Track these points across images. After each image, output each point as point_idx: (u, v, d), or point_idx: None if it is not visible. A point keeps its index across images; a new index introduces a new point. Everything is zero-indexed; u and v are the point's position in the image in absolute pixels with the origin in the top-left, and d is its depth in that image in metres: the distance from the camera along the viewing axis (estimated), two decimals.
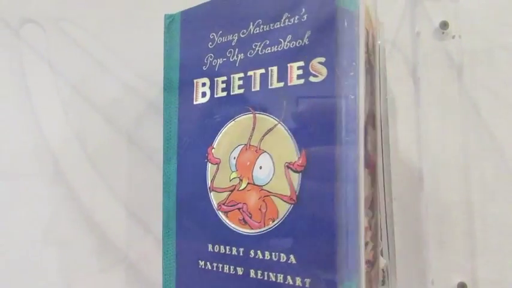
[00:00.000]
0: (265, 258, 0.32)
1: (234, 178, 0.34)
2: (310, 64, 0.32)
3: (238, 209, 0.34)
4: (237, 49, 0.34)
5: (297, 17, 0.32)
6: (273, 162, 0.33)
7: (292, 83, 0.32)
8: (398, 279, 0.41)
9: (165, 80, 0.38)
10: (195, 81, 0.36)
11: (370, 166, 0.33)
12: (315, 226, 0.30)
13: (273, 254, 0.32)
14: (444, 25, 0.42)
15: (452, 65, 0.43)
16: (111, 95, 0.41)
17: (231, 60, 0.34)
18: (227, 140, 0.34)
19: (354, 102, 0.29)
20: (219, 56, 0.35)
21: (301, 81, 0.32)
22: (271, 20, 0.33)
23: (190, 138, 0.36)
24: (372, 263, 0.33)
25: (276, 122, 0.33)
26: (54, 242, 0.41)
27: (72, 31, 0.42)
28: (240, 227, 0.33)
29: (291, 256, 0.31)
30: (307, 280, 0.31)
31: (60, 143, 0.42)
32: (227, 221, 0.34)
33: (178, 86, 0.37)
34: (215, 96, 0.35)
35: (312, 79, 0.32)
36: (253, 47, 0.34)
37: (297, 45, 0.32)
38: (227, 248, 0.34)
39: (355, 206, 0.29)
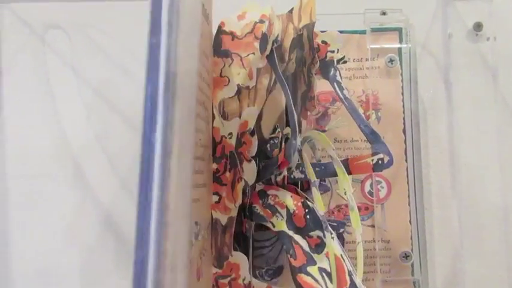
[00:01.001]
0: None
1: None
2: None
3: None
4: None
5: None
6: None
7: None
8: None
9: None
10: None
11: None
12: None
13: None
14: (478, 26, 0.41)
15: (487, 67, 0.41)
16: (132, 99, 0.41)
17: None
18: None
19: None
20: None
21: None
22: None
23: None
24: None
25: None
26: (74, 244, 0.41)
27: (95, 36, 0.43)
28: None
29: None
30: None
31: (82, 146, 0.42)
32: None
33: None
34: None
35: None
36: None
37: None
38: None
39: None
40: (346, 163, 0.34)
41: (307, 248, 0.32)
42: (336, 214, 0.39)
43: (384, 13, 0.40)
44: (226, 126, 0.32)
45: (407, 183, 0.40)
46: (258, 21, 0.32)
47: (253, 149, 0.32)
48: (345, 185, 0.33)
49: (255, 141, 0.32)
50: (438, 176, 0.41)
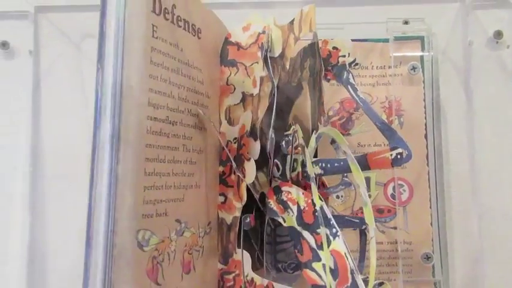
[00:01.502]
0: None
1: None
2: None
3: None
4: None
5: None
6: None
7: None
8: None
9: None
10: None
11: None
12: None
13: None
14: (498, 34, 0.42)
15: (507, 75, 0.42)
16: None
17: None
18: None
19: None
20: None
21: None
22: None
23: None
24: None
25: None
26: None
27: None
28: None
29: None
30: None
31: None
32: None
33: None
34: None
35: None
36: None
37: None
38: None
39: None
40: (365, 158, 0.34)
41: (313, 245, 0.33)
42: (360, 215, 0.41)
43: (406, 22, 0.41)
44: (232, 132, 0.34)
45: (429, 186, 0.41)
46: (261, 32, 0.34)
47: (254, 151, 0.34)
48: (359, 180, 0.32)
49: (253, 143, 0.33)
50: (458, 180, 0.42)
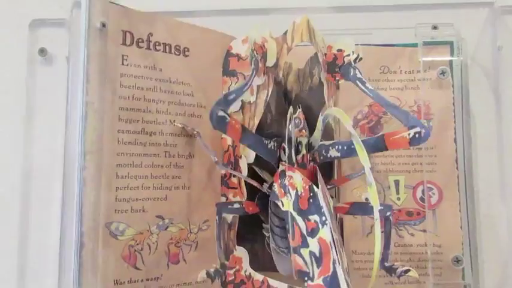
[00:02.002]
0: None
1: None
2: None
3: None
4: None
5: None
6: None
7: None
8: None
9: None
10: None
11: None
12: None
13: None
14: None
15: None
16: None
17: None
18: None
19: None
20: None
21: None
22: None
23: None
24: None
25: None
26: None
27: None
28: None
29: None
30: None
31: None
32: None
33: None
34: None
35: None
36: None
37: None
38: None
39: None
40: (382, 139, 0.34)
41: (304, 231, 0.33)
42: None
43: (435, 27, 0.42)
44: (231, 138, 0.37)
45: (459, 190, 0.41)
46: (260, 44, 0.37)
47: (248, 153, 0.37)
48: (364, 160, 0.31)
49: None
50: (487, 184, 0.42)
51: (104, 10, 0.34)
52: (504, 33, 0.43)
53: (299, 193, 0.34)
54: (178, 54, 0.37)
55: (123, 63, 0.35)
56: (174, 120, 0.37)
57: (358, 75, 0.38)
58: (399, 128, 0.34)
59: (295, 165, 0.36)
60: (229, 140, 0.38)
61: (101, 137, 0.33)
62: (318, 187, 0.34)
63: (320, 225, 0.33)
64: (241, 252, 0.37)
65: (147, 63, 0.36)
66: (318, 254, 0.32)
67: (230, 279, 0.37)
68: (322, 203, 0.33)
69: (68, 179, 0.35)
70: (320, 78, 0.41)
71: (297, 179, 0.35)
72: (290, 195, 0.34)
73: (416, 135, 0.33)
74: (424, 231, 0.41)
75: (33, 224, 0.43)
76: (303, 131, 0.36)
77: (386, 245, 0.38)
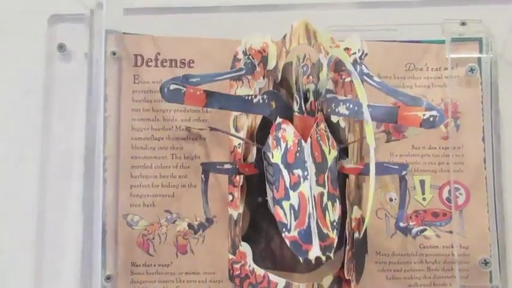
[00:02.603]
0: None
1: None
2: None
3: None
4: None
5: None
6: None
7: None
8: None
9: None
10: None
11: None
12: None
13: None
14: None
15: None
16: None
17: None
18: None
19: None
20: None
21: None
22: None
23: None
24: None
25: None
26: None
27: None
28: None
29: None
30: None
31: None
32: None
33: None
34: None
35: None
36: None
37: None
38: None
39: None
40: (395, 110, 0.34)
41: (287, 184, 0.34)
42: (413, 219, 0.40)
43: (463, 23, 0.41)
44: (237, 138, 0.40)
45: (486, 190, 0.40)
46: (259, 49, 0.39)
47: (250, 154, 0.40)
48: (361, 98, 0.31)
49: (250, 147, 0.39)
50: None
51: (117, 40, 0.42)
52: None
53: (288, 146, 0.35)
54: (184, 67, 0.42)
55: (134, 82, 0.42)
56: (179, 126, 0.42)
57: (365, 70, 0.38)
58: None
59: (305, 114, 0.36)
60: (235, 141, 0.41)
61: (118, 144, 0.41)
62: (311, 139, 0.35)
63: (302, 180, 0.34)
64: (245, 247, 0.39)
65: (155, 78, 0.42)
66: (296, 208, 0.34)
67: (237, 273, 0.39)
68: (307, 158, 0.34)
69: (94, 180, 0.40)
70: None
71: (289, 132, 0.35)
72: (280, 147, 0.35)
73: (431, 118, 0.33)
74: (451, 232, 0.40)
75: (49, 222, 0.43)
76: (310, 77, 0.37)
77: (401, 205, 0.38)
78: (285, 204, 0.34)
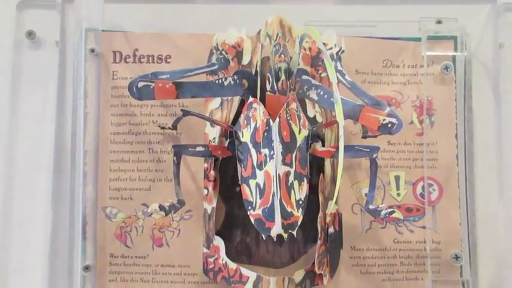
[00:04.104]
0: None
1: None
2: None
3: None
4: None
5: None
6: None
7: None
8: None
9: None
10: None
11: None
12: None
13: None
14: None
15: None
16: None
17: None
18: None
19: None
20: None
21: None
22: None
23: None
24: None
25: None
26: None
27: None
28: None
29: None
30: None
31: None
32: None
33: None
34: None
35: None
36: None
37: None
38: None
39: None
40: (359, 108, 0.34)
41: (255, 163, 0.35)
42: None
43: (439, 22, 0.41)
44: (212, 132, 0.40)
45: (458, 186, 0.41)
46: (233, 44, 0.40)
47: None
48: (332, 78, 0.32)
49: (224, 140, 0.39)
50: (486, 181, 0.42)
51: (97, 37, 0.43)
52: (506, 31, 0.42)
53: (257, 126, 0.35)
54: (161, 62, 0.42)
55: (113, 78, 0.43)
56: (156, 121, 0.42)
57: (339, 67, 0.38)
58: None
59: (276, 93, 0.36)
60: (210, 135, 0.40)
61: (97, 138, 0.42)
62: (280, 118, 0.35)
63: (268, 159, 0.34)
64: (218, 241, 0.39)
65: (133, 74, 0.42)
66: (262, 186, 0.34)
67: (210, 266, 0.40)
68: (274, 137, 0.34)
69: (76, 173, 0.41)
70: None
71: (259, 111, 0.35)
72: (250, 126, 0.36)
73: (389, 125, 0.34)
74: (424, 227, 0.41)
75: (17, 215, 0.42)
76: (282, 56, 0.37)
77: (371, 188, 0.39)
78: (252, 182, 0.35)
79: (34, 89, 0.44)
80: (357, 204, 0.40)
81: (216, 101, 0.40)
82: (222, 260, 0.39)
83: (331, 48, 0.39)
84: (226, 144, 0.39)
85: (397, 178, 0.41)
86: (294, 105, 0.36)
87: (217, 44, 0.40)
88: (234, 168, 0.39)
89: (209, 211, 0.40)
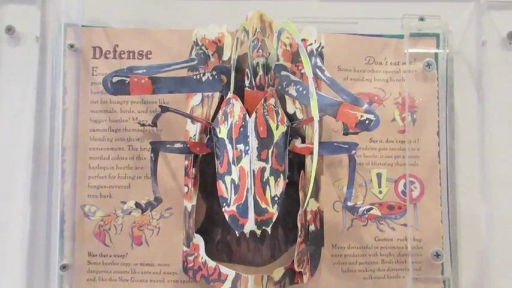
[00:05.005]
0: None
1: None
2: None
3: None
4: None
5: None
6: None
7: None
8: None
9: None
10: None
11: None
12: None
13: None
14: None
15: None
16: None
17: None
18: None
19: None
20: None
21: None
22: None
23: None
24: None
25: None
26: None
27: None
28: None
29: None
30: None
31: None
32: None
33: None
34: None
35: None
36: None
37: None
38: None
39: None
40: (337, 105, 0.34)
41: (231, 159, 0.34)
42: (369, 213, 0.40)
43: (422, 19, 0.41)
44: (192, 129, 0.40)
45: (440, 184, 0.41)
46: (213, 39, 0.39)
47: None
48: (307, 71, 0.31)
49: (205, 137, 0.39)
50: (466, 179, 0.42)
51: (76, 32, 0.42)
52: (489, 29, 0.42)
53: (234, 121, 0.35)
54: (141, 58, 0.42)
55: (93, 74, 0.42)
56: (137, 118, 0.41)
57: (319, 63, 0.38)
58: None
59: (254, 88, 0.36)
60: (191, 132, 0.40)
61: (76, 135, 0.41)
62: (256, 113, 0.34)
63: (243, 154, 0.34)
64: (198, 239, 0.39)
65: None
66: (236, 182, 0.34)
67: (190, 265, 0.39)
68: (249, 132, 0.34)
69: (54, 170, 0.41)
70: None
71: (237, 107, 0.35)
72: (227, 122, 0.35)
73: (367, 121, 0.34)
74: (405, 225, 0.40)
75: None
76: (260, 51, 0.37)
77: (349, 185, 0.38)
78: (227, 178, 0.34)
79: (13, 86, 0.43)
80: (339, 201, 0.40)
81: (197, 98, 0.40)
82: (202, 258, 0.38)
83: (311, 44, 0.39)
84: (205, 141, 0.39)
85: (379, 175, 0.41)
86: (272, 100, 0.36)
87: (196, 39, 0.39)
88: (214, 165, 0.38)
89: (189, 209, 0.39)
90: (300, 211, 0.38)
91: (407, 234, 0.40)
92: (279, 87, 0.37)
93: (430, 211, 0.41)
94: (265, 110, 0.35)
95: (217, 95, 0.39)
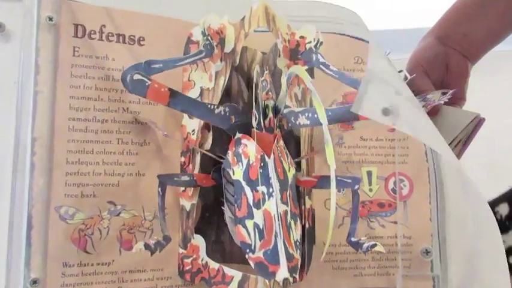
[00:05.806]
0: None
1: None
2: None
3: None
4: None
5: None
6: None
7: None
8: None
9: None
10: None
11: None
12: None
13: None
14: None
15: None
16: None
17: None
18: None
19: None
20: None
21: None
22: None
23: None
24: None
25: None
26: None
27: None
28: None
29: None
30: None
31: None
32: None
33: None
34: None
35: None
36: None
37: None
38: None
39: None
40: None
41: (251, 201, 0.33)
42: (360, 210, 0.41)
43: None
44: (190, 124, 0.38)
45: (429, 182, 0.41)
46: (216, 30, 0.38)
47: (206, 140, 0.38)
48: (322, 119, 0.31)
49: (207, 133, 0.38)
50: (454, 177, 0.42)
51: (54, 5, 0.36)
52: None
53: (250, 162, 0.33)
54: (133, 44, 0.38)
55: (74, 55, 0.36)
56: (127, 108, 0.37)
57: (321, 59, 0.38)
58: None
59: (263, 130, 0.35)
60: (188, 128, 0.38)
61: (51, 124, 0.35)
62: (274, 155, 0.34)
63: (267, 197, 0.33)
64: (198, 240, 0.37)
65: (99, 53, 0.37)
66: (261, 226, 0.32)
67: (187, 268, 0.37)
68: (271, 173, 0.33)
69: (18, 164, 0.35)
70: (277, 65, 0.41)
71: (251, 147, 0.34)
72: (242, 163, 0.34)
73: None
74: (395, 222, 0.41)
75: None
76: (269, 93, 0.36)
77: (353, 220, 0.38)
78: (249, 223, 0.32)
79: (2, 84, 0.43)
80: (330, 199, 0.40)
81: (196, 90, 0.38)
82: (202, 260, 0.37)
83: (310, 42, 0.39)
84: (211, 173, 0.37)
85: (369, 173, 0.41)
86: (281, 142, 0.35)
87: (204, 29, 0.37)
88: (211, 164, 0.38)
89: (188, 208, 0.37)
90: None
91: (397, 232, 0.41)
92: (290, 124, 0.36)
93: (419, 208, 0.41)
94: (278, 152, 0.34)
95: (219, 88, 0.38)
